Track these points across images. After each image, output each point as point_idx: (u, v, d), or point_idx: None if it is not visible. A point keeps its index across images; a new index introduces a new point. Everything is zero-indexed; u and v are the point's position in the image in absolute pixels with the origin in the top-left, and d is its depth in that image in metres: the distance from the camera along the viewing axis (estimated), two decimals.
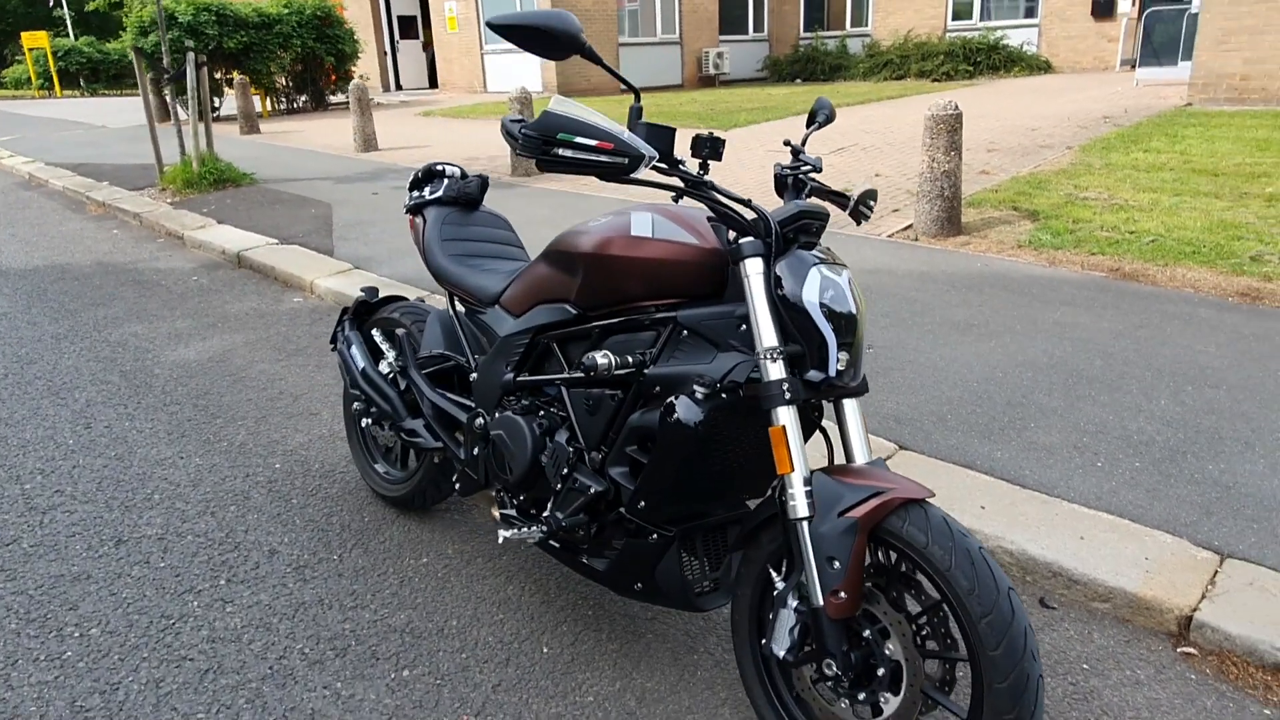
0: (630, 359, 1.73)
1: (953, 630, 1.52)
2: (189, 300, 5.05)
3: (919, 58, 18.09)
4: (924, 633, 1.53)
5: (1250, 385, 3.22)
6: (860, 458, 1.63)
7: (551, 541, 1.96)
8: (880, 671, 1.52)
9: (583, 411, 1.87)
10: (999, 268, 4.81)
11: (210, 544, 2.54)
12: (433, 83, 22.92)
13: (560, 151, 1.49)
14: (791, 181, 1.82)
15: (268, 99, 16.96)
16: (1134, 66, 15.76)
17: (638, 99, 1.62)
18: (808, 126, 1.96)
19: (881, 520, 1.49)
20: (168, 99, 11.31)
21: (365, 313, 2.73)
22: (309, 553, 2.49)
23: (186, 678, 2.00)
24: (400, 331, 2.43)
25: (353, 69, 17.47)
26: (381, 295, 2.72)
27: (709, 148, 1.64)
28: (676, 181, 1.65)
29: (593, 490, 1.81)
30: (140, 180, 8.88)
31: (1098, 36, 17.17)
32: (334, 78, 17.44)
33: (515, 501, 2.05)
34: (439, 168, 2.46)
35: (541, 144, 1.49)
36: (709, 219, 1.75)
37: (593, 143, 1.49)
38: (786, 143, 1.86)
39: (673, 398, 1.64)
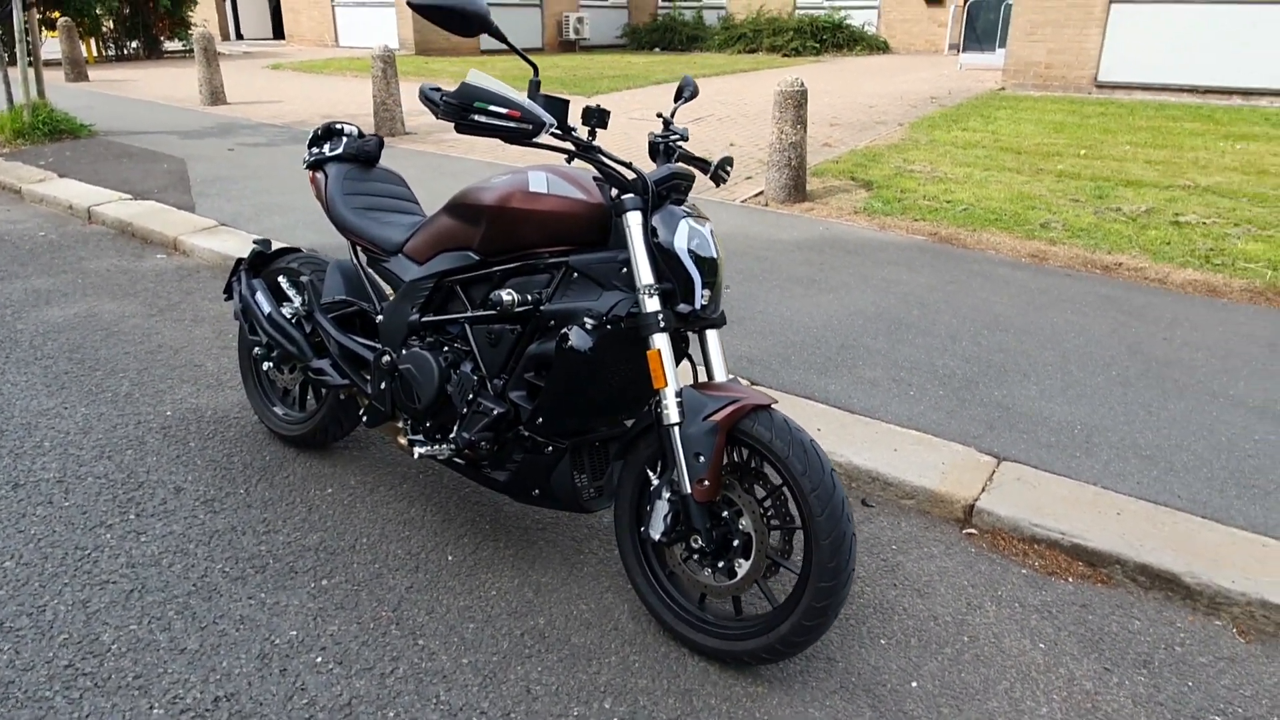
0: (529, 297, 2.03)
1: (790, 509, 1.94)
2: (40, 257, 4.86)
3: (770, 33, 18.89)
4: (769, 511, 1.93)
5: (1031, 329, 3.89)
6: (719, 377, 2.01)
7: (457, 459, 2.25)
8: (735, 543, 1.92)
9: (485, 344, 2.16)
10: (838, 231, 5.39)
11: (113, 484, 2.65)
12: (277, 33, 21.73)
13: (476, 117, 1.76)
14: (663, 148, 2.15)
15: (93, 44, 15.65)
16: (960, 50, 17.15)
17: (536, 73, 1.91)
18: (675, 101, 2.30)
19: (736, 422, 1.87)
20: None
21: (261, 264, 2.87)
22: (215, 488, 2.65)
23: (112, 597, 2.15)
24: (304, 279, 2.61)
25: (189, 14, 16.36)
26: (276, 247, 2.87)
27: (596, 118, 1.96)
28: (569, 146, 1.94)
29: (495, 412, 2.11)
30: None
31: (929, 21, 18.51)
32: (167, 23, 16.29)
33: (422, 428, 2.31)
34: (337, 126, 2.64)
35: (460, 110, 1.76)
36: (595, 178, 2.07)
37: (503, 110, 1.77)
38: (659, 115, 2.20)
39: (566, 329, 1.96)
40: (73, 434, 2.94)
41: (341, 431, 2.79)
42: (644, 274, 1.91)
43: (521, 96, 1.81)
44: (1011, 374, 3.43)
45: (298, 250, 2.86)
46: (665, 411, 1.91)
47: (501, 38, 1.85)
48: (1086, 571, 2.40)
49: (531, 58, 1.89)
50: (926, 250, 5.03)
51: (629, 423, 2.20)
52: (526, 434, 2.11)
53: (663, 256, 1.92)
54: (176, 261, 4.87)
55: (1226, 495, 2.63)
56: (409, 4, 1.72)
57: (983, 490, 2.65)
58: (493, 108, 1.77)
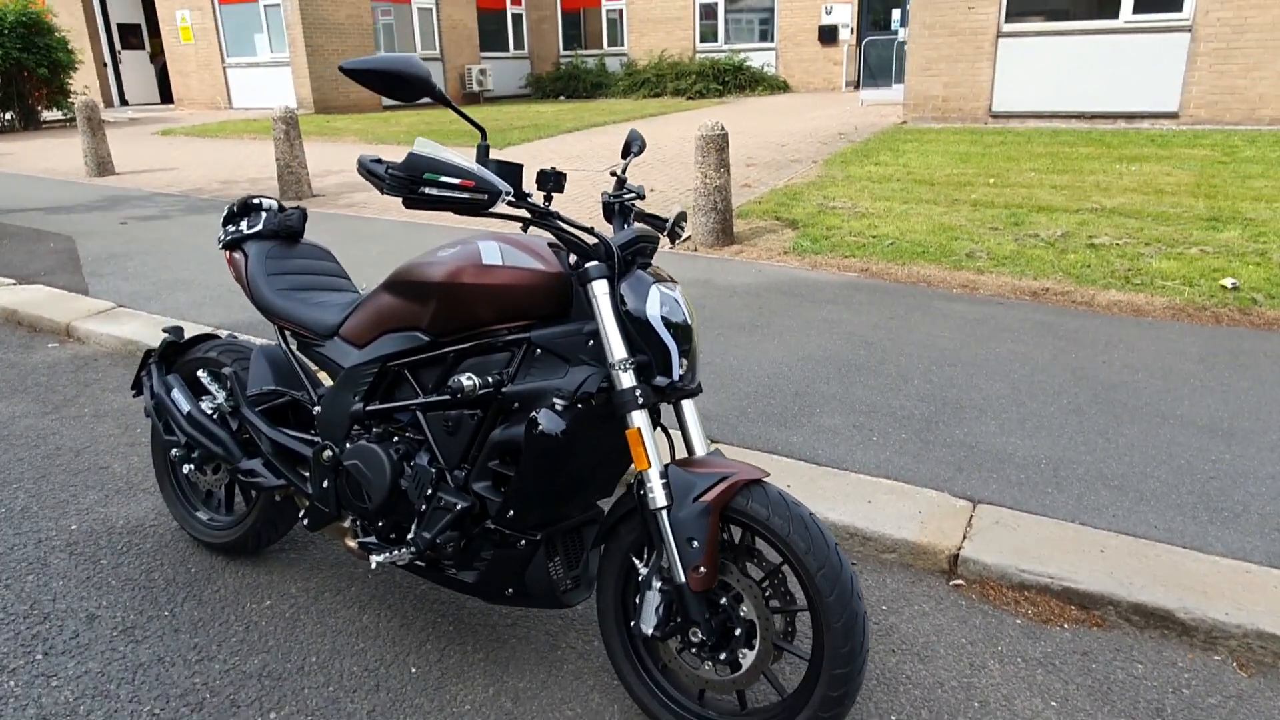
0: (489, 379, 1.85)
1: (790, 588, 1.79)
2: None
3: (673, 76, 19.25)
4: (768, 593, 1.79)
5: (978, 362, 3.89)
6: (700, 449, 1.87)
7: (418, 561, 2.03)
8: (737, 631, 1.76)
9: (442, 433, 1.97)
10: (771, 273, 5.36)
11: (13, 618, 2.31)
12: (165, 98, 20.97)
13: (427, 190, 1.60)
14: (618, 208, 2.02)
15: None
16: (857, 87, 17.82)
17: (484, 137, 1.76)
18: (624, 156, 2.18)
19: (729, 500, 1.73)
20: None
21: (174, 354, 2.60)
22: (135, 613, 2.34)
23: None
24: (227, 370, 2.36)
25: (69, 82, 15.60)
26: (190, 335, 2.61)
27: (552, 181, 1.81)
28: (524, 214, 1.80)
29: (459, 506, 1.91)
30: None
31: (825, 60, 19.19)
32: (44, 91, 15.48)
33: (374, 529, 2.09)
34: (255, 200, 2.42)
35: (409, 183, 1.59)
36: (550, 244, 1.92)
37: (455, 181, 1.61)
38: (612, 173, 2.07)
39: (535, 411, 1.78)
40: None
41: (276, 535, 2.52)
42: (616, 347, 1.76)
43: (473, 165, 1.66)
44: (968, 410, 3.40)
45: (214, 336, 2.61)
46: (651, 495, 1.76)
47: (446, 101, 1.70)
48: (1080, 615, 2.33)
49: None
50: (861, 288, 5.04)
51: (602, 504, 2.03)
52: (494, 528, 1.91)
53: (635, 326, 1.78)
54: (70, 350, 4.47)
55: (1200, 521, 2.62)
56: (341, 69, 1.56)
57: (964, 538, 2.57)
58: (444, 178, 1.61)
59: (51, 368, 4.20)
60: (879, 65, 15.71)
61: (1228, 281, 4.78)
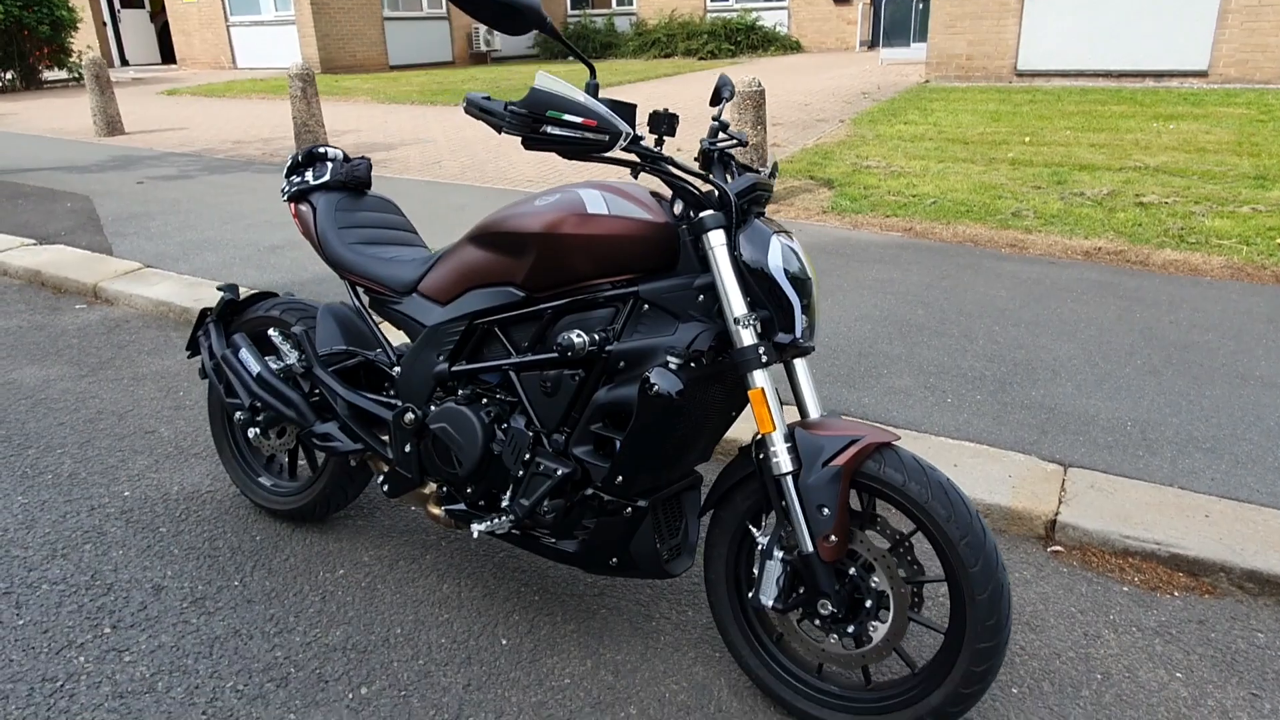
0: (595, 336, 1.73)
1: (915, 558, 1.69)
2: None
3: (684, 36, 18.84)
4: (897, 562, 1.68)
5: (1040, 321, 3.77)
6: (813, 410, 1.75)
7: (514, 530, 1.92)
8: (868, 603, 1.66)
9: (539, 394, 1.85)
10: (812, 232, 5.21)
11: (75, 590, 2.21)
12: (167, 58, 20.58)
13: (549, 129, 1.46)
14: (717, 156, 1.88)
15: None
16: (871, 47, 17.46)
17: (593, 75, 1.61)
18: (714, 104, 2.03)
19: (860, 465, 1.61)
20: None
21: (232, 313, 2.47)
22: (203, 583, 2.24)
23: None
24: (296, 329, 2.23)
25: (70, 41, 15.26)
26: (248, 292, 2.48)
27: (665, 124, 1.68)
28: (633, 158, 1.66)
29: (559, 472, 1.80)
30: None
31: (839, 19, 18.78)
32: (45, 51, 15.14)
33: (462, 495, 1.97)
34: (320, 150, 2.27)
35: (532, 121, 1.45)
36: (651, 192, 1.78)
37: (579, 120, 1.47)
38: (714, 118, 1.92)
39: (649, 371, 1.66)
40: (12, 530, 2.47)
41: (345, 501, 2.41)
42: (736, 303, 1.64)
43: (595, 102, 1.52)
44: (1040, 371, 3.28)
45: (273, 295, 2.48)
46: (775, 460, 1.64)
47: (556, 34, 1.56)
48: (1189, 583, 2.24)
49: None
50: (907, 247, 4.90)
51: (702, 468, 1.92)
52: (596, 495, 1.80)
53: (755, 280, 1.65)
54: (100, 312, 4.34)
55: None
56: (454, 1, 1.41)
57: (1060, 503, 2.46)
58: (567, 116, 1.47)
59: (82, 330, 4.07)
60: (895, 24, 15.35)
61: None
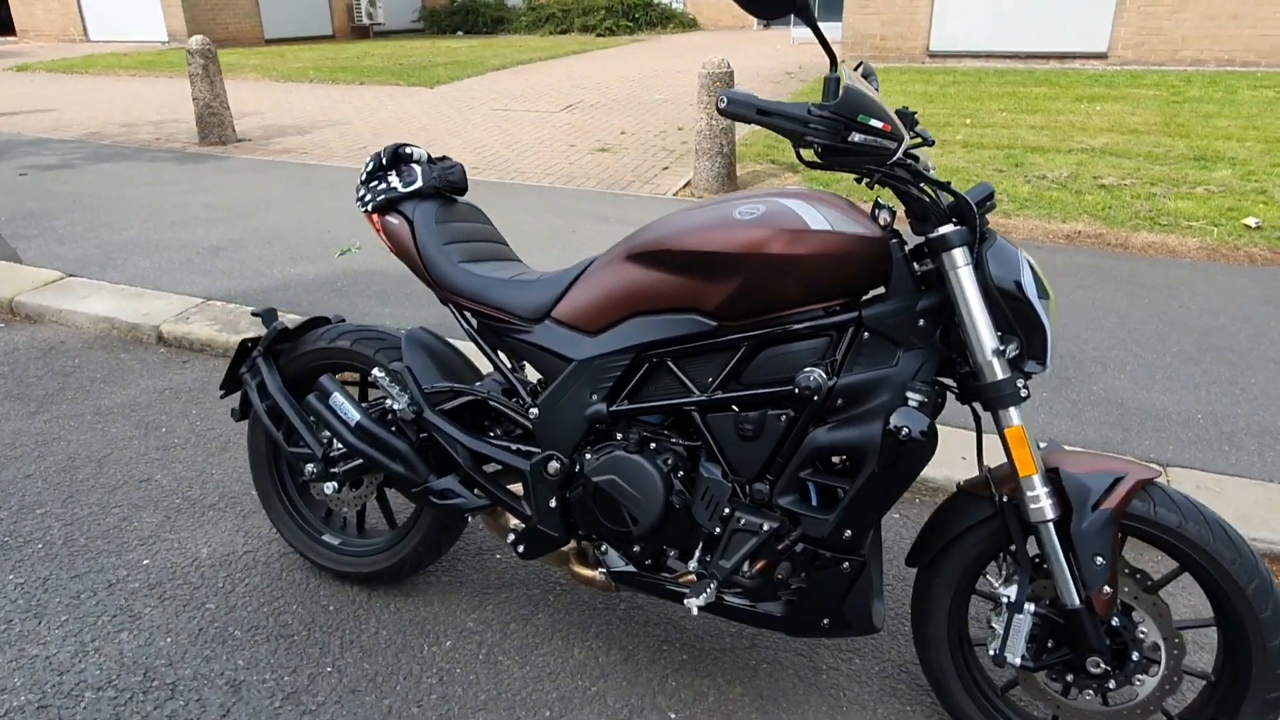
0: (821, 373, 1.50)
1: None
2: None
3: (580, 12, 18.39)
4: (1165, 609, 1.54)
5: (1071, 313, 3.76)
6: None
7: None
8: (1135, 656, 1.51)
9: (734, 439, 1.60)
10: None
11: (129, 696, 1.80)
12: (4, 29, 18.41)
13: (855, 137, 1.21)
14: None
15: None
16: (767, 25, 17.56)
17: (834, 67, 1.37)
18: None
19: (1127, 506, 1.46)
20: None
21: (283, 343, 2.08)
22: (288, 672, 1.87)
23: None
24: (396, 365, 1.87)
25: None
26: (299, 320, 2.09)
27: (909, 124, 1.46)
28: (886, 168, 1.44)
29: (765, 528, 1.57)
30: None
31: None
32: None
33: (632, 554, 1.70)
34: (406, 150, 1.91)
35: (845, 128, 1.20)
36: (847, 201, 1.57)
37: (878, 125, 1.23)
38: (901, 108, 1.70)
39: (876, 406, 1.46)
40: (17, 621, 2.01)
41: (437, 557, 2.08)
42: (986, 332, 1.44)
43: (886, 104, 1.28)
44: (1088, 364, 3.26)
45: (325, 320, 2.09)
46: (1036, 505, 1.47)
47: (811, 20, 1.30)
48: None
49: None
50: None
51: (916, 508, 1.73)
52: (808, 550, 1.58)
53: (1009, 303, 1.46)
54: (24, 332, 3.71)
55: None
56: None
57: None
58: (873, 122, 1.22)
59: (9, 355, 3.46)
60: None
61: (1251, 221, 4.85)
